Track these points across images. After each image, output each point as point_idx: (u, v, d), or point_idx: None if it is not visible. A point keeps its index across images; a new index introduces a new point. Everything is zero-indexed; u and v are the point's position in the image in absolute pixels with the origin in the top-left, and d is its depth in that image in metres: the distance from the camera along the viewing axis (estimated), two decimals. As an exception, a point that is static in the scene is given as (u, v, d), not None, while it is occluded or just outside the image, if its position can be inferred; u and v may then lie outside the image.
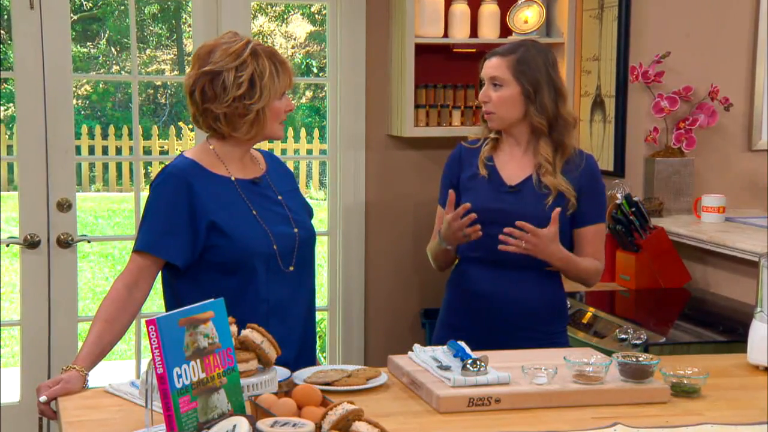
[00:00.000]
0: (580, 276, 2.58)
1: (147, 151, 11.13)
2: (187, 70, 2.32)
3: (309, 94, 13.38)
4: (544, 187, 2.53)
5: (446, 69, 3.97)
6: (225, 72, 2.21)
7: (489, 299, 2.56)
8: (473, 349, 2.13)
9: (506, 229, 2.43)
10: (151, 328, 1.64)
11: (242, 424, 1.63)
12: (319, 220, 5.99)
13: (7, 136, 10.35)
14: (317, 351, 2.46)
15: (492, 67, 2.55)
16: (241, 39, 2.26)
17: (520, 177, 2.57)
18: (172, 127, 12.00)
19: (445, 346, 2.18)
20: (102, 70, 13.19)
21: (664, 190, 3.62)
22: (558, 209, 2.45)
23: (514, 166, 2.58)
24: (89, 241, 4.01)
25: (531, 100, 2.53)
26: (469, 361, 2.01)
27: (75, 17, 12.74)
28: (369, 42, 3.90)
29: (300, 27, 13.71)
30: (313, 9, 12.93)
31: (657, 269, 3.38)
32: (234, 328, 1.92)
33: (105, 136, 11.67)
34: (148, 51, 13.49)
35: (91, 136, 11.54)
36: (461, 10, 3.88)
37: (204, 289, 2.15)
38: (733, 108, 3.66)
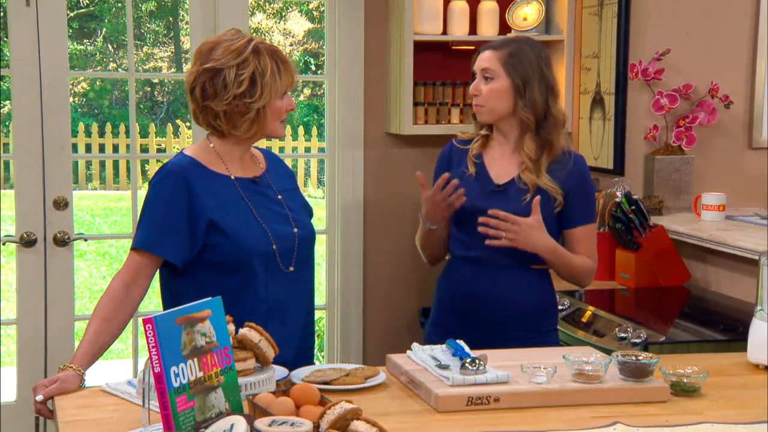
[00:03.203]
0: (571, 272, 2.57)
1: (144, 149, 11.14)
2: (188, 66, 2.31)
3: (307, 91, 13.37)
4: (522, 184, 2.53)
5: (445, 66, 3.96)
6: (226, 69, 2.20)
7: (478, 298, 2.56)
8: (463, 348, 2.13)
9: (481, 219, 2.44)
10: (148, 327, 1.63)
11: (240, 423, 1.62)
12: (318, 219, 5.98)
13: (3, 134, 10.33)
14: (315, 351, 2.45)
15: (484, 59, 2.56)
16: (243, 36, 2.25)
17: (508, 176, 2.57)
18: (170, 124, 12.00)
19: (443, 345, 2.17)
20: (99, 68, 13.19)
21: (664, 188, 3.62)
22: (538, 197, 2.45)
23: (502, 165, 2.58)
24: (86, 240, 4.00)
25: (520, 95, 2.52)
26: (468, 360, 2.00)
27: (72, 14, 12.73)
28: (367, 39, 3.89)
29: (298, 24, 13.70)
30: (311, 6, 12.93)
31: (657, 268, 3.37)
32: (231, 327, 1.91)
33: (102, 134, 11.66)
34: (145, 48, 13.48)
35: (88, 133, 11.53)
36: (460, 6, 3.87)
37: (202, 288, 2.14)
38: (734, 105, 3.65)
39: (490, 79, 2.53)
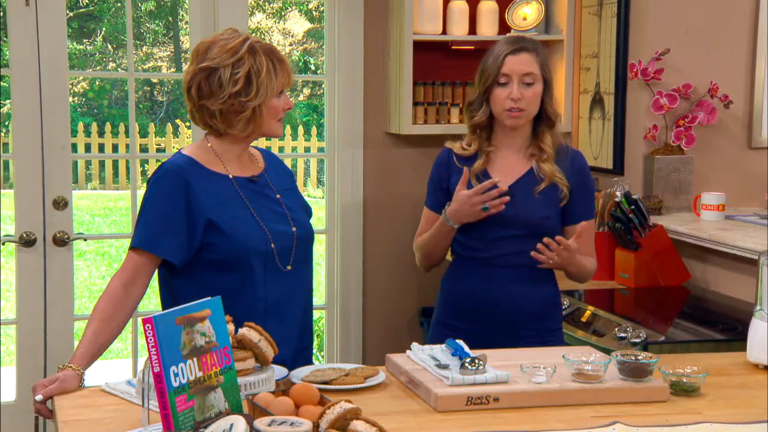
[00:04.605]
0: (582, 275, 2.61)
1: (144, 149, 11.14)
2: (186, 66, 2.31)
3: (307, 91, 13.38)
4: (541, 175, 2.55)
5: (445, 66, 3.96)
6: (221, 68, 2.20)
7: (483, 298, 2.56)
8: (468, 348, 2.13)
9: (545, 240, 2.44)
10: (148, 327, 1.63)
11: (239, 423, 1.62)
12: (317, 219, 5.98)
13: (2, 134, 10.33)
14: (314, 350, 2.45)
15: (524, 63, 2.52)
16: (239, 35, 2.25)
17: (512, 178, 2.57)
18: (169, 124, 12.00)
19: (443, 345, 2.17)
20: (98, 67, 13.19)
21: (664, 188, 3.62)
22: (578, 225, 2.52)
23: (506, 168, 2.58)
24: (85, 240, 3.99)
25: (549, 92, 2.56)
26: (468, 360, 2.00)
27: (71, 14, 12.73)
28: (367, 39, 3.89)
29: (298, 24, 13.70)
30: (310, 6, 12.92)
31: (656, 267, 3.37)
32: (231, 327, 1.91)
33: (101, 134, 11.66)
34: (144, 48, 13.48)
35: (88, 133, 11.53)
36: (460, 6, 3.87)
37: (201, 288, 2.14)
38: (733, 105, 3.65)
39: (531, 84, 2.52)
